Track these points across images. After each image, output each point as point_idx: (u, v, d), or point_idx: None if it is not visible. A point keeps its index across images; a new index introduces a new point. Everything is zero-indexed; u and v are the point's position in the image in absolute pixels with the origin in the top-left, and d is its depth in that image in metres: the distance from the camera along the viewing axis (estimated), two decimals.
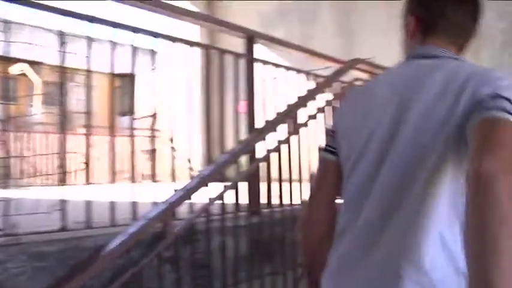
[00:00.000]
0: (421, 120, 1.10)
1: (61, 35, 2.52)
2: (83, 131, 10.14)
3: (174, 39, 2.85)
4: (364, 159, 1.18)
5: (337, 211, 1.28)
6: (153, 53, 2.83)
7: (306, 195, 1.32)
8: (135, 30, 2.65)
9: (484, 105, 0.99)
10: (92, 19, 2.48)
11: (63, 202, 2.25)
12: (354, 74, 4.18)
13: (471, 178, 0.89)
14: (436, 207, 1.04)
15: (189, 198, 2.42)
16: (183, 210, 2.44)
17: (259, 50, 3.40)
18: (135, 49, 2.74)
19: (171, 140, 2.92)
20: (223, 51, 3.11)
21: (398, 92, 1.18)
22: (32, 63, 14.88)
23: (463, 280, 0.92)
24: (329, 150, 1.35)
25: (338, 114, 1.43)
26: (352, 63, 3.94)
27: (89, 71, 2.66)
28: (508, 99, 0.99)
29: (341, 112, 1.41)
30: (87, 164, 2.51)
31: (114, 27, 2.57)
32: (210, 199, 2.53)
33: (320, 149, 1.43)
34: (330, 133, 1.37)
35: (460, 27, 1.26)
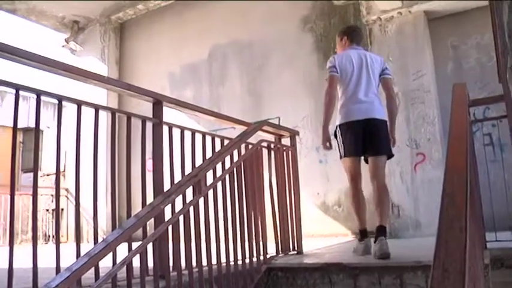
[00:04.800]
0: (369, 65, 4.09)
1: None
2: None
3: (79, 103, 2.84)
4: (352, 77, 4.04)
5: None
6: (60, 107, 2.76)
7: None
8: (39, 93, 2.63)
9: (386, 72, 4.21)
10: None
11: None
12: (261, 134, 4.35)
13: (392, 93, 4.23)
14: (375, 85, 4.11)
15: (95, 264, 2.36)
16: (88, 275, 2.38)
17: (169, 110, 3.48)
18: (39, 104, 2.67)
19: (76, 200, 2.86)
20: (130, 115, 3.15)
21: (358, 56, 4.11)
22: None
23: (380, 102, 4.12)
24: (335, 72, 4.02)
25: (337, 61, 4.06)
26: (258, 126, 4.08)
27: None
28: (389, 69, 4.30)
29: (338, 61, 4.06)
30: None
31: (17, 89, 2.53)
32: (116, 264, 2.49)
33: (329, 73, 4.05)
34: (334, 66, 4.04)
35: (361, 38, 4.43)
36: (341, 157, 4.09)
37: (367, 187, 4.14)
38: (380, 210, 3.90)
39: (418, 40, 6.48)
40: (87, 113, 2.88)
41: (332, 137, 4.12)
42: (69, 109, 2.93)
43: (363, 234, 4.08)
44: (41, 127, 2.66)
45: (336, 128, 4.09)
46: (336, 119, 4.11)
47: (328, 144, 4.06)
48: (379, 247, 3.69)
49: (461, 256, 1.25)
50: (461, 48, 6.72)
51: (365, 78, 4.02)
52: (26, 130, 14.58)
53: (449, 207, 1.57)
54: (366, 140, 3.93)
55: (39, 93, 2.61)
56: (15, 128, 2.55)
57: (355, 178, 4.06)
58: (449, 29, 6.75)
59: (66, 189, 8.90)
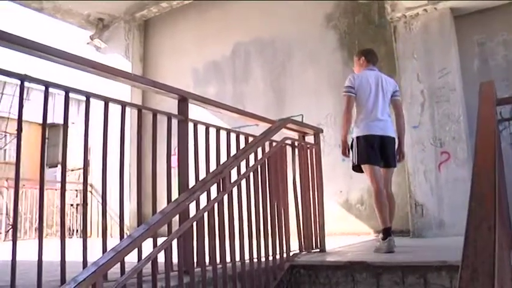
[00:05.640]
0: (384, 87, 4.70)
1: None
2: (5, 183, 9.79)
3: (107, 99, 2.88)
4: (370, 96, 4.63)
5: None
6: (88, 104, 2.81)
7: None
8: (68, 89, 2.67)
9: (396, 94, 4.89)
10: (24, 78, 2.47)
11: None
12: (284, 132, 4.35)
13: (401, 113, 4.94)
14: (387, 105, 4.75)
15: (121, 259, 2.40)
16: (113, 270, 2.42)
17: (191, 106, 3.50)
18: (67, 101, 2.70)
19: (103, 196, 2.90)
20: (156, 112, 3.18)
21: (374, 77, 4.72)
22: None
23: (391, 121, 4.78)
24: (352, 93, 4.64)
25: (356, 81, 4.66)
26: (283, 123, 4.08)
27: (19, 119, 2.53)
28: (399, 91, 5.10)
29: (357, 81, 4.66)
30: (14, 225, 2.42)
31: (46, 86, 2.58)
32: (142, 259, 2.52)
33: (346, 93, 4.67)
34: (352, 87, 4.65)
35: (377, 60, 5.00)
36: (353, 166, 4.73)
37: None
38: (390, 215, 4.55)
39: (443, 37, 6.39)
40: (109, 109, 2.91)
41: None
42: (92, 105, 2.96)
43: (386, 232, 4.36)
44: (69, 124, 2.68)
45: (353, 139, 4.66)
46: (353, 132, 4.71)
47: (347, 152, 4.73)
48: (388, 244, 4.27)
49: (490, 256, 1.24)
50: (487, 45, 6.61)
51: (381, 99, 4.65)
52: (50, 126, 14.81)
53: (477, 207, 1.55)
54: (381, 152, 4.61)
55: (67, 90, 2.65)
56: (44, 125, 2.59)
57: (379, 181, 4.55)
58: (475, 26, 6.64)
59: (91, 185, 9.02)
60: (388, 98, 4.75)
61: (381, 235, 4.47)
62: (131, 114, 3.11)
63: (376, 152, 4.57)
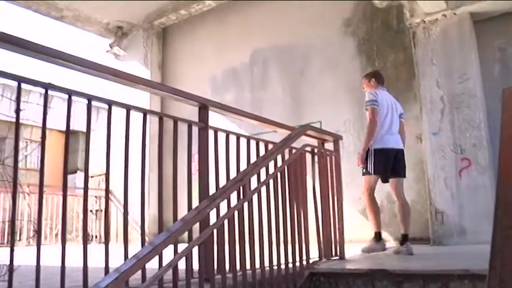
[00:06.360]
0: (394, 107, 5.23)
1: None
2: (27, 189, 9.92)
3: (129, 107, 2.90)
4: (388, 112, 5.12)
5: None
6: (109, 111, 2.85)
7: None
8: (90, 97, 2.70)
9: (402, 116, 5.40)
10: (48, 86, 2.51)
11: (7, 267, 2.19)
12: (304, 138, 4.34)
13: (403, 134, 5.38)
14: (397, 123, 5.28)
15: (142, 266, 2.41)
16: (134, 277, 2.43)
17: (213, 114, 3.52)
18: (90, 109, 2.74)
19: (124, 204, 2.92)
20: (176, 119, 3.20)
21: (388, 97, 5.26)
22: None
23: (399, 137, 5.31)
24: (377, 106, 5.01)
25: (378, 96, 5.07)
26: (302, 130, 4.08)
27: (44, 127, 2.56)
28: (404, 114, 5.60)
29: (379, 96, 5.07)
30: (38, 231, 2.45)
31: (69, 94, 2.61)
32: (163, 266, 2.53)
33: (371, 105, 5.01)
34: (376, 100, 5.04)
35: (384, 81, 5.43)
36: (368, 173, 5.05)
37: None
38: (405, 222, 4.96)
39: (463, 43, 6.34)
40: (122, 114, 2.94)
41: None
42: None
43: (379, 235, 5.11)
44: (85, 130, 2.72)
45: (371, 150, 5.04)
46: (372, 143, 5.05)
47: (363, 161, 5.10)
48: (407, 249, 4.71)
49: None
50: (508, 50, 6.53)
51: (396, 116, 5.20)
52: (70, 133, 14.97)
53: (502, 215, 1.53)
54: (394, 164, 5.07)
55: (90, 98, 2.69)
56: (67, 132, 2.62)
57: (373, 192, 5.11)
58: (496, 31, 6.57)
59: (110, 191, 9.08)
60: (397, 117, 5.24)
61: (373, 239, 5.10)
62: (150, 121, 3.13)
63: (390, 165, 5.04)
